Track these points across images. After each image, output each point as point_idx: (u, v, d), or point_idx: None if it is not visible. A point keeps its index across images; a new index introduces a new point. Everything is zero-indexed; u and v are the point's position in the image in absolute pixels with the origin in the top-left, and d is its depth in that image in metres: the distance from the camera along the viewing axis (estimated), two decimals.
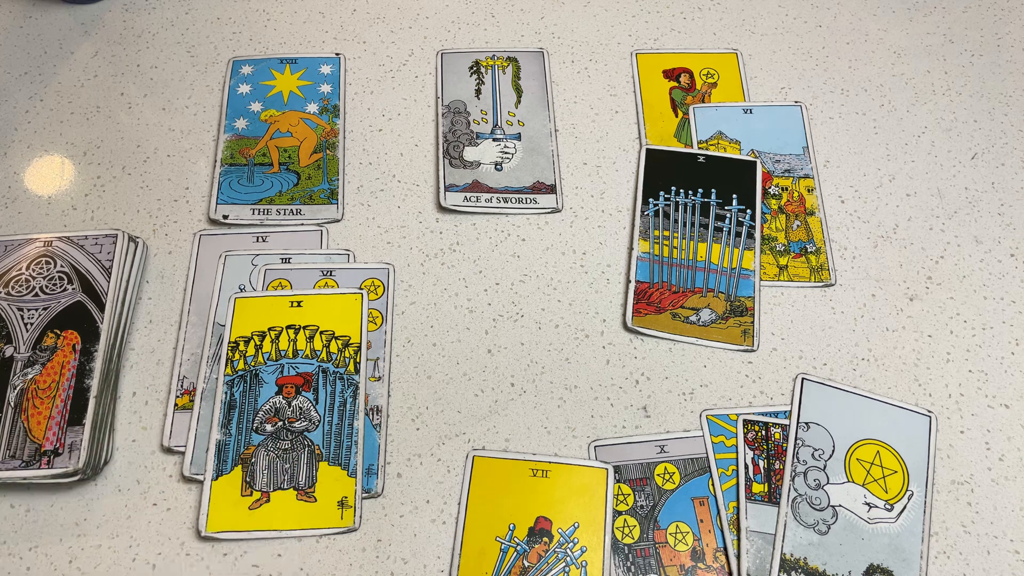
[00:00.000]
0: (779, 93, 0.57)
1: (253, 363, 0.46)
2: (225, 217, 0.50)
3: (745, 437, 0.45)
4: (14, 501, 0.43)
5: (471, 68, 0.57)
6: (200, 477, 0.43)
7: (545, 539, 0.40)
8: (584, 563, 0.40)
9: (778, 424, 0.45)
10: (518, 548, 0.40)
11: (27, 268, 0.47)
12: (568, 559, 0.40)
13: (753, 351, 0.48)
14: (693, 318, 0.48)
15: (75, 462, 0.41)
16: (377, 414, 0.45)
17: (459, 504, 0.42)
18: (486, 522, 0.41)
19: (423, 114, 0.56)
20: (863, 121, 0.56)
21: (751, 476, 0.43)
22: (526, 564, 0.40)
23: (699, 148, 0.54)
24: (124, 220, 0.51)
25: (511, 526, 0.40)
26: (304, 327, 0.46)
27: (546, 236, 0.51)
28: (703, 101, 0.56)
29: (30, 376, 0.43)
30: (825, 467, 0.44)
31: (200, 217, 0.51)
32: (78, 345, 0.44)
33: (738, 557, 0.41)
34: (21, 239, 0.48)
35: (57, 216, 0.51)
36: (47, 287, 0.46)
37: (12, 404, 0.43)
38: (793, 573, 0.41)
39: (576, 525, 0.41)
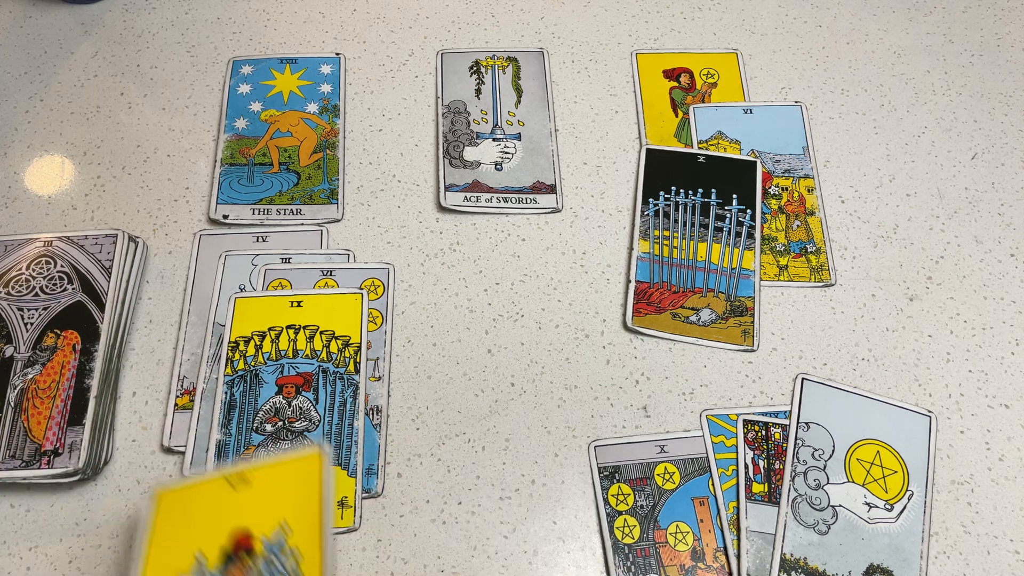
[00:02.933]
0: (779, 93, 0.57)
1: (253, 363, 0.46)
2: (225, 217, 0.50)
3: (745, 437, 0.45)
4: (14, 501, 0.43)
5: (471, 68, 0.57)
6: None
7: (246, 557, 0.34)
8: (300, 574, 0.34)
9: (778, 424, 0.45)
10: None
11: (27, 268, 0.47)
12: (280, 573, 0.34)
13: (753, 351, 0.48)
14: (693, 318, 0.48)
15: (75, 462, 0.41)
16: (377, 414, 0.45)
17: (140, 548, 0.35)
18: (166, 563, 0.34)
19: (423, 114, 0.56)
20: (863, 121, 0.56)
21: (751, 476, 0.43)
22: None
23: (699, 148, 0.54)
24: (124, 220, 0.51)
25: (198, 557, 0.34)
26: (304, 327, 0.46)
27: (546, 236, 0.51)
28: (703, 101, 0.56)
29: (30, 376, 0.43)
30: (825, 467, 0.44)
31: (200, 217, 0.51)
32: (78, 345, 0.44)
33: (738, 557, 0.41)
34: (21, 239, 0.48)
35: (57, 216, 0.51)
36: (47, 287, 0.46)
37: (12, 404, 0.43)
38: (793, 573, 0.41)
39: (284, 528, 0.35)
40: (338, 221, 0.51)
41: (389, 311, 0.48)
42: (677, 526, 0.42)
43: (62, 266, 0.47)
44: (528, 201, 0.52)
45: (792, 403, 0.46)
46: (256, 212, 0.51)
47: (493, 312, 0.49)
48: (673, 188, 0.52)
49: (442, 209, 0.52)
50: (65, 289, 0.46)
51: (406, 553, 0.42)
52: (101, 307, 0.45)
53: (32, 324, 0.45)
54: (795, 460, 0.44)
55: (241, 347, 0.46)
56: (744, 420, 0.45)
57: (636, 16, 0.61)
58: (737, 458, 0.44)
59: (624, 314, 0.49)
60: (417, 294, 0.49)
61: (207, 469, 0.43)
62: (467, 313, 0.49)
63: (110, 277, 0.46)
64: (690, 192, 0.52)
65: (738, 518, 0.42)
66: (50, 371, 0.43)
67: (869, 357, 0.48)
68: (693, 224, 0.51)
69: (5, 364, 0.44)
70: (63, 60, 0.58)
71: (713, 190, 0.52)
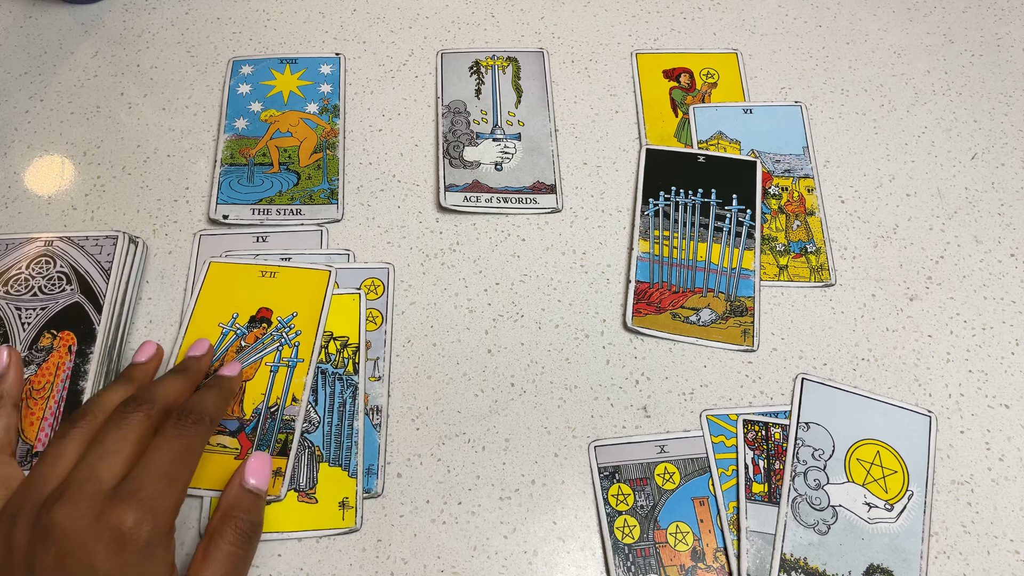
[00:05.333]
0: (779, 93, 0.57)
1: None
2: (225, 217, 0.50)
3: (745, 437, 0.45)
4: None
5: (471, 68, 0.57)
6: None
7: (264, 324, 0.46)
8: (297, 344, 0.45)
9: (778, 424, 0.45)
10: (237, 332, 0.46)
11: (27, 267, 0.47)
12: (282, 340, 0.45)
13: (753, 351, 0.48)
14: (693, 318, 0.48)
15: None
16: (377, 414, 0.45)
17: (190, 298, 0.47)
18: (212, 313, 0.46)
19: (423, 114, 0.56)
20: (863, 121, 0.56)
21: (751, 476, 0.43)
22: (243, 344, 0.45)
23: (699, 148, 0.54)
24: (124, 220, 0.51)
25: (234, 315, 0.46)
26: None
27: (546, 236, 0.51)
28: (703, 101, 0.56)
29: (25, 376, 0.43)
30: (825, 467, 0.44)
31: (200, 217, 0.51)
32: (74, 346, 0.44)
33: (738, 557, 0.41)
34: (22, 238, 0.48)
35: (57, 216, 0.51)
36: (46, 287, 0.46)
37: None
38: (793, 573, 0.41)
39: (294, 314, 0.46)
40: (338, 221, 0.51)
41: (389, 311, 0.48)
42: (677, 526, 0.42)
43: (61, 266, 0.47)
44: (528, 201, 0.52)
45: (792, 403, 0.46)
46: (256, 212, 0.51)
47: (493, 312, 0.49)
48: (673, 188, 0.52)
49: (442, 209, 0.52)
50: (63, 290, 0.46)
51: (406, 553, 0.42)
52: (99, 309, 0.45)
53: (29, 324, 0.45)
54: (795, 460, 0.44)
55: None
56: (744, 420, 0.45)
57: (636, 16, 0.61)
58: (737, 458, 0.44)
59: (624, 314, 0.49)
60: (417, 294, 0.49)
61: None
62: (467, 313, 0.49)
63: (109, 279, 0.46)
64: (690, 192, 0.52)
65: (738, 518, 0.42)
66: (45, 372, 0.43)
67: (869, 357, 0.48)
68: (693, 224, 0.51)
69: None
70: (63, 60, 0.58)
71: (713, 190, 0.52)
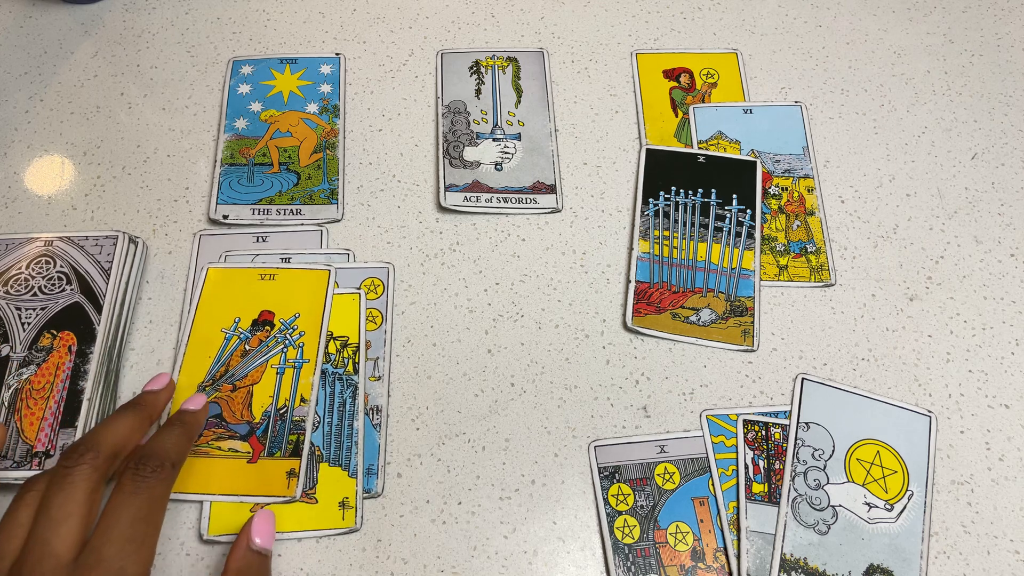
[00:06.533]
0: (779, 93, 0.57)
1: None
2: (225, 217, 0.50)
3: (745, 437, 0.45)
4: None
5: (471, 68, 0.57)
6: None
7: (267, 327, 0.46)
8: (301, 344, 0.45)
9: (778, 424, 0.45)
10: (240, 336, 0.46)
11: (27, 267, 0.47)
12: (287, 342, 0.46)
13: (753, 351, 0.48)
14: (693, 318, 0.48)
15: None
16: (377, 414, 0.45)
17: (190, 305, 0.47)
18: (213, 319, 0.46)
19: (423, 114, 0.56)
20: (863, 121, 0.56)
21: (751, 476, 0.43)
22: (247, 348, 0.45)
23: (699, 148, 0.54)
24: (124, 220, 0.51)
25: (236, 319, 0.46)
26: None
27: (546, 236, 0.51)
28: (703, 101, 0.56)
29: (25, 376, 0.43)
30: (825, 467, 0.44)
31: (200, 217, 0.51)
32: (74, 346, 0.44)
33: (738, 557, 0.41)
34: (22, 238, 0.48)
35: (57, 216, 0.51)
36: (46, 287, 0.46)
37: (6, 404, 0.43)
38: (793, 573, 0.41)
39: (296, 315, 0.46)
40: (338, 221, 0.51)
41: (389, 311, 0.48)
42: (677, 526, 0.42)
43: (61, 266, 0.47)
44: (528, 201, 0.52)
45: (792, 403, 0.46)
46: (256, 212, 0.51)
47: (493, 312, 0.49)
48: (673, 188, 0.52)
49: (442, 209, 0.52)
50: (63, 290, 0.46)
51: (406, 553, 0.42)
52: (99, 309, 0.45)
53: (29, 324, 0.45)
54: (795, 460, 0.44)
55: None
56: (744, 420, 0.45)
57: (636, 16, 0.61)
58: (737, 458, 0.44)
59: (624, 314, 0.49)
60: (417, 294, 0.49)
61: None
62: (467, 313, 0.49)
63: (109, 279, 0.46)
64: (690, 192, 0.52)
65: (738, 518, 0.42)
66: (45, 372, 0.43)
67: (869, 357, 0.48)
68: (693, 224, 0.51)
69: (1, 363, 0.44)
70: (63, 60, 0.58)
71: (713, 190, 0.52)
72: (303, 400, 0.44)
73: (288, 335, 0.46)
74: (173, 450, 0.37)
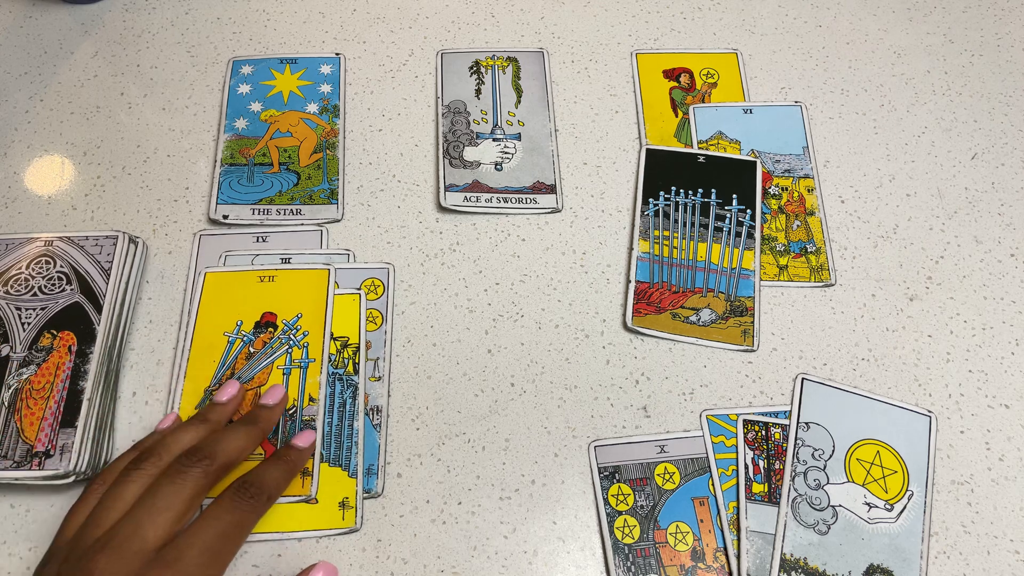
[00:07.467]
0: (779, 93, 0.57)
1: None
2: (225, 217, 0.50)
3: (745, 437, 0.45)
4: (14, 501, 0.42)
5: (471, 68, 0.57)
6: None
7: (270, 329, 0.46)
8: (306, 344, 0.45)
9: (778, 424, 0.45)
10: (244, 339, 0.46)
11: (27, 267, 0.47)
12: (291, 343, 0.45)
13: (753, 351, 0.48)
14: (693, 318, 0.48)
15: (66, 464, 0.41)
16: (377, 414, 0.45)
17: (189, 312, 0.47)
18: (215, 323, 0.46)
19: (423, 114, 0.56)
20: (863, 121, 0.56)
21: (751, 476, 0.43)
22: (252, 351, 0.45)
23: (699, 148, 0.54)
24: (124, 220, 0.51)
25: (238, 322, 0.46)
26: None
27: (546, 236, 0.51)
28: (703, 101, 0.56)
29: (25, 376, 0.43)
30: (825, 467, 0.44)
31: (200, 217, 0.51)
32: (74, 346, 0.44)
33: (738, 557, 0.41)
34: (22, 238, 0.48)
35: (57, 216, 0.51)
36: (46, 287, 0.46)
37: (6, 404, 0.43)
38: (793, 573, 0.41)
39: (299, 315, 0.46)
40: (338, 221, 0.51)
41: (389, 311, 0.48)
42: (677, 526, 0.42)
43: (61, 266, 0.46)
44: (528, 201, 0.52)
45: (792, 403, 0.46)
46: (256, 212, 0.51)
47: (493, 312, 0.49)
48: (673, 188, 0.52)
49: (442, 209, 0.52)
50: (63, 290, 0.46)
51: (406, 553, 0.42)
52: (99, 309, 0.45)
53: (29, 324, 0.45)
54: (795, 460, 0.44)
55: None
56: (744, 420, 0.45)
57: (636, 16, 0.61)
58: (737, 458, 0.44)
59: (624, 314, 0.49)
60: (417, 294, 0.49)
61: None
62: (467, 313, 0.49)
63: (109, 279, 0.46)
64: (690, 192, 0.52)
65: (738, 518, 0.42)
66: (45, 372, 0.43)
67: (869, 357, 0.48)
68: (693, 224, 0.51)
69: (1, 363, 0.44)
70: (63, 60, 0.58)
71: (713, 190, 0.52)
72: (311, 399, 0.44)
73: (292, 335, 0.46)
74: (274, 485, 0.39)
